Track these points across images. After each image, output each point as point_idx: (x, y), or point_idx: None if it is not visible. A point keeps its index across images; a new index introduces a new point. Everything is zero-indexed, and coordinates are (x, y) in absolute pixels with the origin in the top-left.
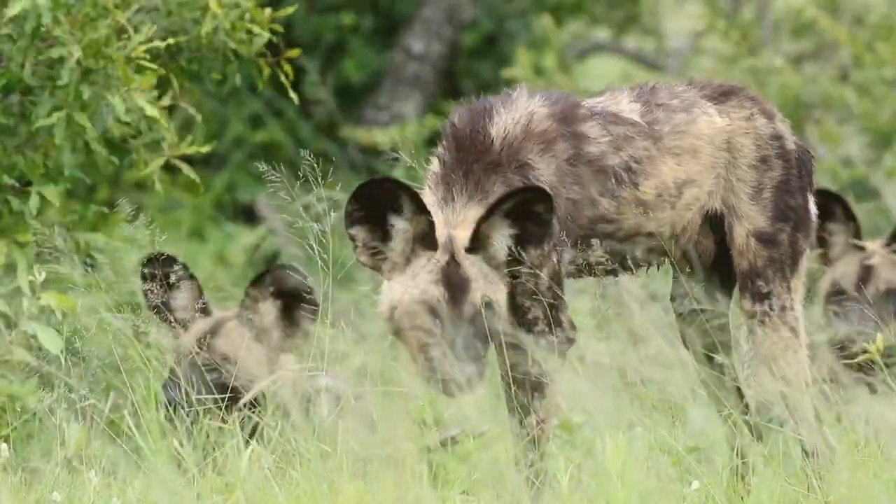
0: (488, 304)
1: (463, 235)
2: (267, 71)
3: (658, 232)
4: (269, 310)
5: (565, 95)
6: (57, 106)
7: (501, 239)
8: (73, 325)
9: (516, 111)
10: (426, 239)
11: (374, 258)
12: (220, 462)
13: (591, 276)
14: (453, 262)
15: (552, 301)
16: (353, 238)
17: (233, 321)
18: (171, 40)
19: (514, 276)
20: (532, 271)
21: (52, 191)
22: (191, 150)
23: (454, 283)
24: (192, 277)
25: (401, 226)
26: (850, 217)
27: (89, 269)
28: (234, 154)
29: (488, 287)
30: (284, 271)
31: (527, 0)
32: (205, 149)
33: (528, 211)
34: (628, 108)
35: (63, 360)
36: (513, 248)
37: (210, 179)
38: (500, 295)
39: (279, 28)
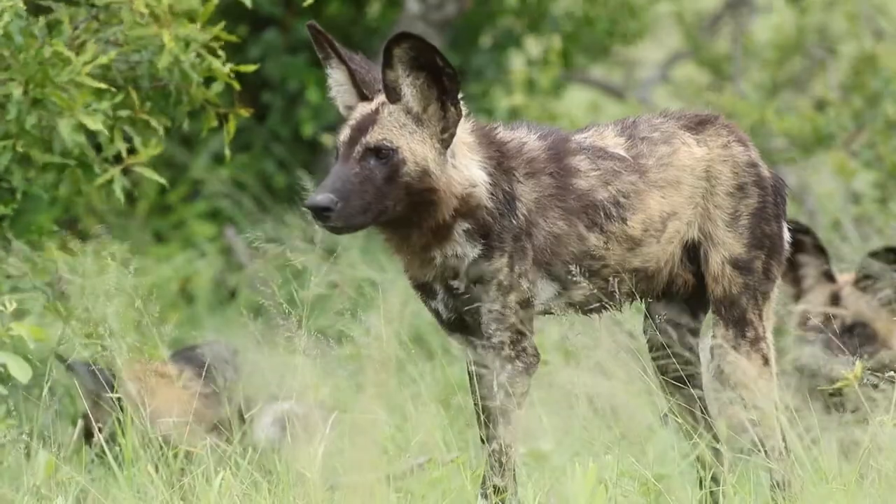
0: (390, 150)
1: None
2: (213, 122)
3: (643, 268)
4: (187, 385)
5: (556, 130)
6: (7, 135)
7: (406, 89)
8: (43, 353)
9: (514, 133)
10: (364, 90)
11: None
12: (188, 489)
13: (576, 313)
14: (376, 109)
15: (518, 327)
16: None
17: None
18: (112, 54)
19: (477, 283)
20: (500, 293)
21: (2, 208)
22: (146, 155)
23: (358, 125)
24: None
25: (333, 73)
26: (819, 249)
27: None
28: (201, 189)
29: (398, 134)
30: (205, 350)
31: (496, 36)
32: (157, 150)
33: (420, 62)
34: (614, 142)
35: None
36: (421, 98)
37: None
38: (412, 145)
39: (236, 85)
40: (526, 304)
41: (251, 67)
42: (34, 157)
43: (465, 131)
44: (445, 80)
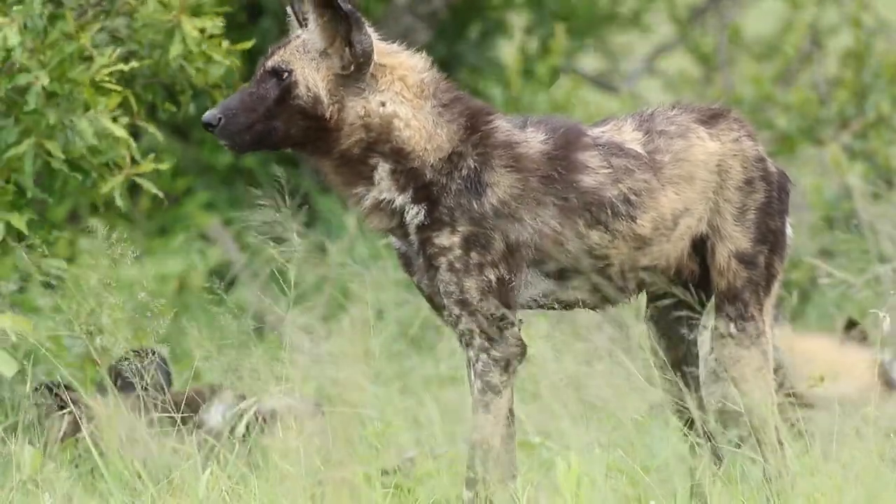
0: (284, 71)
1: None
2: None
3: (652, 266)
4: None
5: (572, 124)
6: (25, 131)
7: (312, 24)
8: (30, 347)
9: (509, 125)
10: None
11: None
12: (176, 484)
13: (576, 307)
14: (295, 37)
15: (489, 316)
16: None
17: None
18: (134, 63)
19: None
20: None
21: (18, 219)
22: (150, 167)
23: (272, 50)
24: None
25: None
26: None
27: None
28: (201, 179)
29: (296, 58)
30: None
31: (484, 26)
32: (164, 166)
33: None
34: (631, 136)
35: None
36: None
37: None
38: (308, 70)
39: (236, 62)
40: (498, 292)
41: (247, 45)
42: (53, 155)
43: (424, 86)
44: (345, 21)
